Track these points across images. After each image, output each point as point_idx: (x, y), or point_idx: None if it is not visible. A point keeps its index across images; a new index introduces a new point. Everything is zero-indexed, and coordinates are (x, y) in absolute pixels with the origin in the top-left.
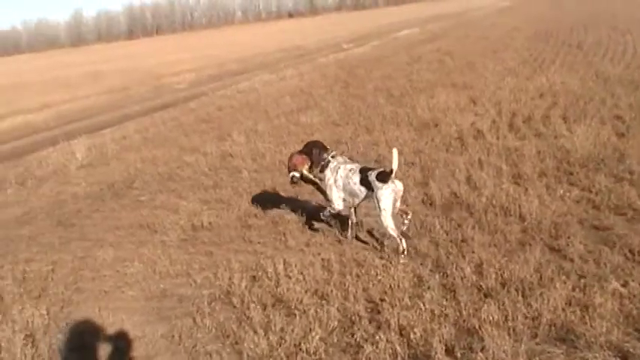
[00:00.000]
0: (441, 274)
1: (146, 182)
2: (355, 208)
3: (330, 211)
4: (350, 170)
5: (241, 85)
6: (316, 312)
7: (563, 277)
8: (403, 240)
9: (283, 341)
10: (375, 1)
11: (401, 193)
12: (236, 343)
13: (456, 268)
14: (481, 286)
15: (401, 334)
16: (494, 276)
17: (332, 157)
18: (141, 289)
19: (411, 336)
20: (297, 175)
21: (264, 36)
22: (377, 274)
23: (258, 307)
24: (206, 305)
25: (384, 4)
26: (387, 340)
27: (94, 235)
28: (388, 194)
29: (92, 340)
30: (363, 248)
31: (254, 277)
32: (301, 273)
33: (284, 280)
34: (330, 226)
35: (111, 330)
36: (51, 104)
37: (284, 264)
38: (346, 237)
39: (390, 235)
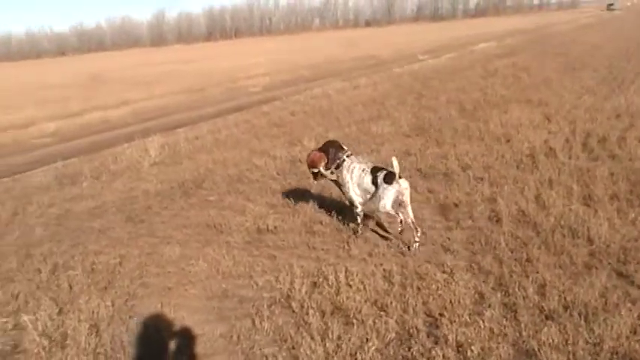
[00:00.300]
0: (503, 292)
1: (215, 183)
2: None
3: (358, 211)
4: (363, 170)
5: (314, 92)
6: (374, 322)
7: (629, 304)
8: (400, 215)
9: (339, 349)
10: (454, 13)
11: (406, 190)
12: (293, 348)
13: (519, 288)
14: (543, 307)
15: (458, 351)
16: (557, 298)
17: (347, 156)
18: (203, 288)
19: (468, 353)
20: (316, 171)
21: (340, 43)
22: (438, 289)
23: (317, 313)
24: (266, 308)
25: (463, 16)
26: (443, 356)
27: (162, 232)
28: (391, 194)
29: (153, 335)
30: (425, 261)
31: (315, 283)
32: (362, 282)
33: (344, 288)
34: (386, 235)
35: (172, 326)
36: (129, 101)
37: (345, 272)
38: (359, 229)
39: (389, 214)
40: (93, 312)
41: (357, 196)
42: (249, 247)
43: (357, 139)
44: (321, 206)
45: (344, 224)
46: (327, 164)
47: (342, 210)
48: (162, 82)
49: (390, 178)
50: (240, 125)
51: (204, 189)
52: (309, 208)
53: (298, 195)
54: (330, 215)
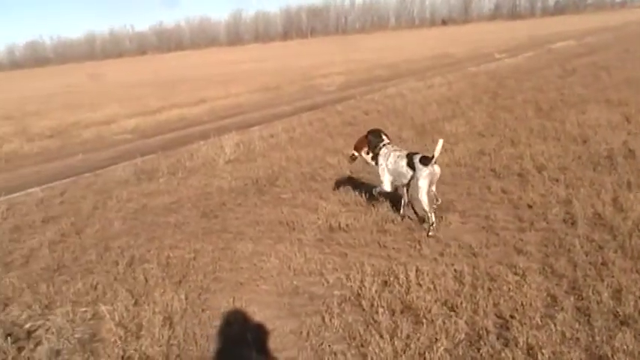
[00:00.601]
0: (576, 296)
1: (289, 180)
2: (407, 189)
3: (380, 190)
4: (398, 156)
5: (389, 91)
6: (444, 322)
7: None
8: (432, 214)
9: (408, 348)
10: (532, 11)
11: (437, 176)
12: (362, 345)
13: (593, 292)
14: (618, 312)
15: (528, 354)
16: (633, 303)
17: (384, 145)
18: (274, 284)
19: (539, 357)
20: (357, 154)
21: (416, 42)
22: (509, 290)
23: (387, 312)
24: (336, 305)
25: (541, 15)
26: (513, 359)
27: (235, 228)
28: (426, 175)
29: (224, 329)
30: (497, 262)
31: (385, 282)
32: (432, 282)
33: (414, 287)
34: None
35: (243, 321)
36: (206, 99)
37: (416, 272)
38: (402, 214)
39: (423, 209)
40: (167, 305)
41: (388, 182)
42: (320, 244)
43: (431, 138)
44: (393, 205)
45: (416, 224)
46: (368, 150)
47: (415, 209)
48: (238, 81)
49: (426, 160)
50: (314, 124)
51: (278, 186)
52: (381, 206)
53: (370, 193)
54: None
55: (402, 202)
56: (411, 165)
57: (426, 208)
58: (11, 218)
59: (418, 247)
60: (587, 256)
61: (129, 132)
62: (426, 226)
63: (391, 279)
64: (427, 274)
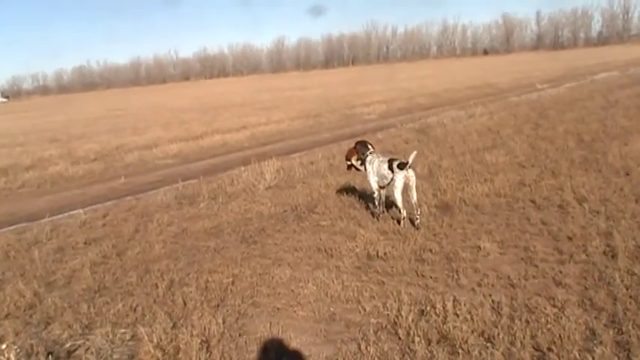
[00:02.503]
0: (616, 330)
1: (328, 207)
2: (383, 189)
3: (374, 197)
4: (381, 161)
5: (430, 120)
6: (480, 353)
7: None
8: (404, 210)
9: None
10: (574, 42)
11: (412, 179)
12: None
13: (633, 326)
14: None
15: None
16: None
17: (370, 153)
18: (311, 310)
19: None
20: (350, 163)
21: (457, 71)
22: (547, 322)
23: (423, 341)
24: (372, 333)
25: (584, 45)
26: None
27: (274, 254)
28: (401, 177)
29: (261, 354)
30: (535, 294)
31: (422, 311)
32: (469, 312)
33: (451, 317)
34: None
35: (279, 346)
36: (248, 126)
37: (453, 301)
38: (378, 212)
39: (396, 205)
40: (205, 328)
41: (374, 183)
42: (358, 272)
43: (470, 167)
44: (431, 234)
45: (454, 254)
46: (357, 157)
47: (453, 239)
48: (280, 108)
49: (402, 165)
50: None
51: (317, 213)
52: (420, 235)
53: (408, 222)
54: (439, 244)
55: (377, 201)
56: (391, 168)
57: (399, 204)
58: (55, 239)
59: (456, 276)
60: (627, 289)
61: (171, 157)
62: (402, 223)
63: (428, 308)
64: (464, 304)
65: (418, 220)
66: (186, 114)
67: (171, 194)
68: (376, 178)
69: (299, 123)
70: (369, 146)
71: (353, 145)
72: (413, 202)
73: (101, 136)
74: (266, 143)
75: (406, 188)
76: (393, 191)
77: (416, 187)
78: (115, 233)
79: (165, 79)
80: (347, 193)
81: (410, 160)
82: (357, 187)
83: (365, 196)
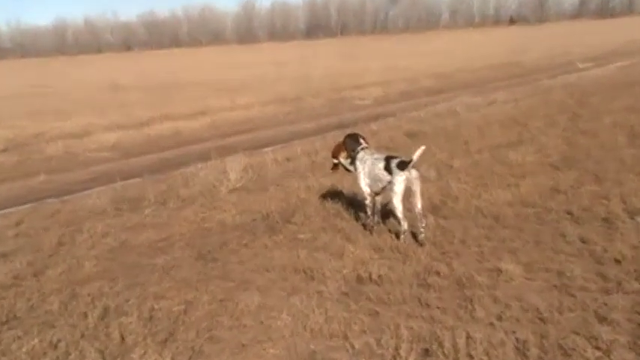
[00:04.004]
0: None
1: (308, 217)
2: (378, 194)
3: (366, 204)
4: (376, 159)
5: (438, 107)
6: None
7: None
8: (405, 222)
9: None
10: (630, 7)
11: (416, 181)
12: None
13: None
14: None
15: None
16: None
17: (362, 149)
18: (286, 348)
19: None
20: (336, 162)
21: (475, 46)
22: None
23: None
24: None
25: None
26: None
27: (239, 274)
28: (402, 180)
29: None
30: (572, 331)
31: (426, 350)
32: (487, 353)
33: (464, 359)
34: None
35: None
36: (207, 111)
37: (466, 339)
38: (371, 223)
39: (396, 216)
40: None
41: (366, 187)
42: (345, 299)
43: (490, 169)
44: (439, 253)
45: (467, 279)
46: (346, 154)
47: (466, 259)
48: (248, 89)
49: (403, 165)
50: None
51: (294, 224)
52: (425, 254)
53: (412, 237)
54: (449, 265)
55: (369, 210)
56: (388, 169)
57: (399, 215)
58: None
59: (470, 307)
60: None
61: (107, 148)
62: (402, 237)
63: (434, 347)
64: (480, 343)
65: (422, 235)
66: (128, 94)
67: (107, 197)
68: (368, 181)
69: (273, 109)
70: (361, 140)
71: (342, 139)
72: (416, 211)
73: (14, 120)
74: (231, 134)
75: (408, 194)
76: (391, 197)
77: (421, 192)
78: (32, 246)
79: (100, 48)
80: (333, 199)
81: (414, 158)
82: (345, 191)
83: (355, 203)
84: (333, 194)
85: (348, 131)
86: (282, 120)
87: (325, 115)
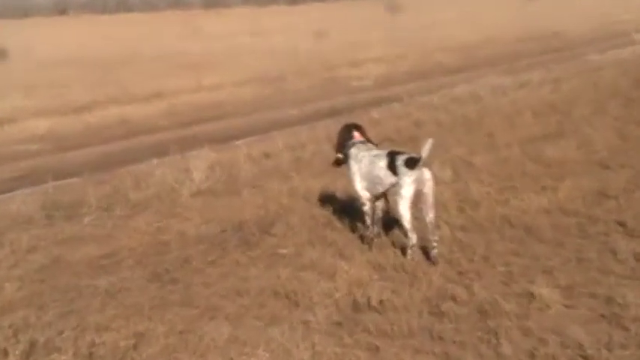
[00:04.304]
0: None
1: (292, 227)
2: (379, 199)
3: (364, 211)
4: (375, 156)
5: (457, 90)
6: None
7: None
8: (414, 235)
9: None
10: None
11: (428, 183)
12: None
13: None
14: None
15: None
16: None
17: (355, 143)
18: None
19: None
20: (341, 156)
21: (502, 12)
22: None
23: None
24: None
25: None
26: None
27: (204, 300)
28: (411, 181)
29: None
30: None
31: None
32: None
33: None
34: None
35: None
36: (164, 93)
37: None
38: (370, 235)
39: (403, 226)
40: None
41: (362, 190)
42: (338, 331)
43: (521, 167)
44: (456, 274)
45: (490, 305)
46: (337, 150)
47: (490, 280)
48: (217, 66)
49: (411, 162)
50: (335, 139)
51: (274, 236)
52: (437, 274)
53: (419, 252)
54: (468, 288)
55: (368, 218)
56: (392, 168)
57: (407, 225)
58: None
59: (494, 341)
60: None
61: (36, 139)
62: (409, 253)
63: None
64: None
65: (435, 250)
66: (62, 70)
67: (36, 201)
68: (365, 183)
69: (248, 91)
70: (355, 133)
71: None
72: (427, 220)
73: None
74: (194, 122)
75: (417, 199)
76: (396, 203)
77: (434, 197)
78: None
79: (25, 12)
80: (323, 205)
81: (423, 154)
82: (338, 194)
83: (351, 210)
84: (324, 199)
85: (346, 121)
86: (260, 105)
87: (314, 100)
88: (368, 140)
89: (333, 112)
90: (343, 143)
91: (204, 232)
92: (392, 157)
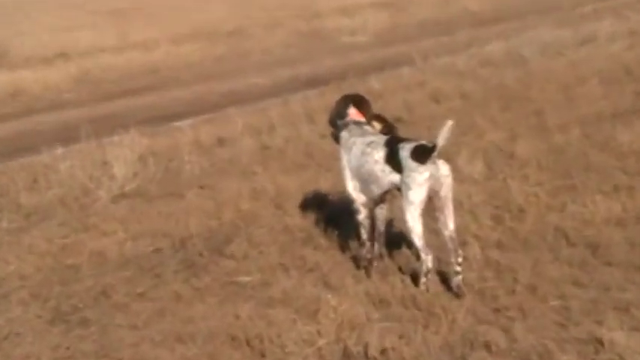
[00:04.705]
0: None
1: (257, 245)
2: (381, 204)
3: (359, 220)
4: (370, 143)
5: (491, 49)
6: None
7: None
8: (429, 256)
9: None
10: None
11: (446, 181)
12: None
13: None
14: None
15: None
16: None
17: (349, 123)
18: None
19: None
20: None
21: None
22: None
23: None
24: None
25: None
26: None
27: (130, 349)
28: (423, 180)
29: None
30: None
31: None
32: None
33: None
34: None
35: None
36: (73, 53)
37: None
38: (366, 254)
39: (413, 244)
40: None
41: (354, 190)
42: None
43: (582, 159)
44: (491, 309)
45: (543, 354)
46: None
47: (540, 320)
48: (149, 16)
49: (421, 152)
50: (318, 118)
51: (230, 257)
52: (462, 310)
53: (438, 281)
54: (508, 332)
55: (365, 232)
56: (393, 160)
57: (418, 242)
58: None
59: None
60: None
61: None
62: (423, 282)
63: None
64: None
65: (459, 277)
66: None
67: None
68: (356, 183)
69: (193, 49)
70: (351, 108)
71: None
72: (447, 234)
73: None
74: (116, 94)
75: (432, 204)
76: (404, 211)
77: (454, 201)
78: None
79: None
80: (300, 212)
81: (440, 141)
82: (322, 196)
83: (340, 220)
84: (302, 204)
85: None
86: (210, 70)
87: (288, 63)
88: (369, 121)
89: (314, 81)
90: (335, 122)
91: (131, 252)
92: (393, 145)
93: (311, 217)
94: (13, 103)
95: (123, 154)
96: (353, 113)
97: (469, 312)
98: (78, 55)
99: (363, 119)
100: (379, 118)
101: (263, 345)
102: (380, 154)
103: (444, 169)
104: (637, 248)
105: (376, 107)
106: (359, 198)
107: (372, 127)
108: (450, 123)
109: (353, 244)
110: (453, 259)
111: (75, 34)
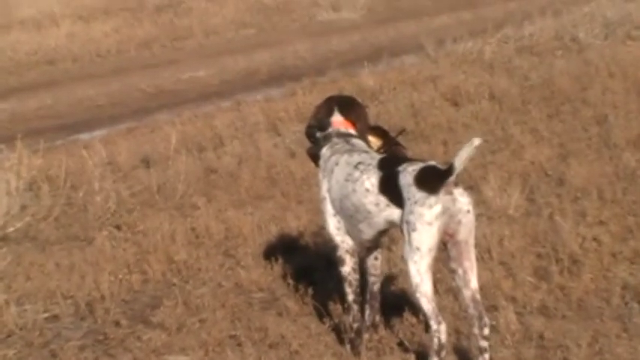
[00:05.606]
0: None
1: (195, 308)
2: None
3: (344, 275)
4: (357, 165)
5: (531, 29)
6: None
7: None
8: (442, 326)
9: None
10: None
11: (466, 218)
12: None
13: None
14: None
15: None
16: None
17: (329, 134)
18: None
19: None
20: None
21: None
22: None
23: None
24: None
25: None
26: None
27: None
28: (431, 218)
29: None
30: None
31: None
32: None
33: None
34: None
35: None
36: None
37: None
38: (354, 324)
39: (420, 309)
40: None
41: (338, 232)
42: None
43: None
44: None
45: None
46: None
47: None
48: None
49: (430, 179)
50: (283, 128)
51: (158, 327)
52: None
53: (454, 356)
54: None
55: (352, 292)
56: (390, 189)
57: (427, 307)
58: None
59: None
60: None
61: None
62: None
63: None
64: None
65: (486, 355)
66: None
67: None
68: (339, 221)
69: (107, 31)
70: (336, 114)
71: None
72: (468, 294)
73: None
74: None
75: (448, 251)
76: (407, 261)
77: (476, 246)
78: None
79: None
80: (260, 262)
81: (457, 163)
82: (292, 238)
83: (318, 274)
84: (262, 251)
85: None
86: (131, 59)
87: (242, 48)
88: (361, 133)
89: (279, 75)
90: (313, 134)
91: (15, 321)
92: (390, 168)
93: (274, 270)
94: None
95: (4, 181)
96: (338, 122)
97: None
98: None
99: (351, 130)
100: (377, 130)
101: None
102: (372, 179)
103: (463, 201)
104: None
105: (371, 114)
106: (344, 242)
107: (367, 142)
108: (477, 142)
109: (334, 308)
110: (476, 331)
111: None
